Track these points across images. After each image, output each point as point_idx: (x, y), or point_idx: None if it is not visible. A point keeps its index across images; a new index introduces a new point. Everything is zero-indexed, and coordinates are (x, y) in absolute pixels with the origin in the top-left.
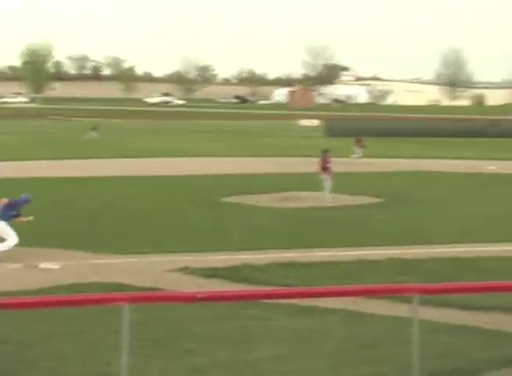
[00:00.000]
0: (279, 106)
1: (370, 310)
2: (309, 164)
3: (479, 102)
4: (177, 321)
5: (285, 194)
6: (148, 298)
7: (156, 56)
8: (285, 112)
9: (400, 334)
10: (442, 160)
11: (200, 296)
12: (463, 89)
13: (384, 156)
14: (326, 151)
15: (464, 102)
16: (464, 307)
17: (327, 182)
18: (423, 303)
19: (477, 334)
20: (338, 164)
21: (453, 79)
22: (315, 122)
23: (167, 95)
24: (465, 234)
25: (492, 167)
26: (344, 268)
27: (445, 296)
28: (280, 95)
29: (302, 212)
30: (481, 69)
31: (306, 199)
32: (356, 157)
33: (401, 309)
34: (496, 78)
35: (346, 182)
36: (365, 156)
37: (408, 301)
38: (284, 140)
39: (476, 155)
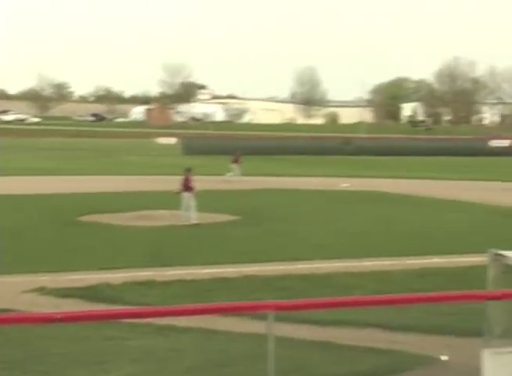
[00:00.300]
0: (136, 124)
1: (227, 328)
2: (168, 182)
3: (333, 120)
4: (32, 342)
5: (143, 213)
6: (3, 319)
7: (10, 72)
8: (142, 130)
9: (256, 350)
10: (298, 177)
11: (58, 316)
12: (318, 108)
13: (242, 174)
14: (188, 170)
15: (318, 120)
16: (319, 323)
17: (190, 200)
18: (279, 319)
19: (331, 349)
20: (216, 182)
21: (308, 97)
22: (173, 140)
23: (4, 112)
24: (321, 250)
25: (345, 184)
26: (201, 286)
27: (301, 312)
28: (138, 113)
29: (160, 231)
30: (334, 87)
31: (164, 217)
32: (234, 175)
33: (257, 326)
34: (349, 97)
35: (206, 200)
36: (222, 173)
37: (264, 318)
38: (142, 158)
39: (330, 172)
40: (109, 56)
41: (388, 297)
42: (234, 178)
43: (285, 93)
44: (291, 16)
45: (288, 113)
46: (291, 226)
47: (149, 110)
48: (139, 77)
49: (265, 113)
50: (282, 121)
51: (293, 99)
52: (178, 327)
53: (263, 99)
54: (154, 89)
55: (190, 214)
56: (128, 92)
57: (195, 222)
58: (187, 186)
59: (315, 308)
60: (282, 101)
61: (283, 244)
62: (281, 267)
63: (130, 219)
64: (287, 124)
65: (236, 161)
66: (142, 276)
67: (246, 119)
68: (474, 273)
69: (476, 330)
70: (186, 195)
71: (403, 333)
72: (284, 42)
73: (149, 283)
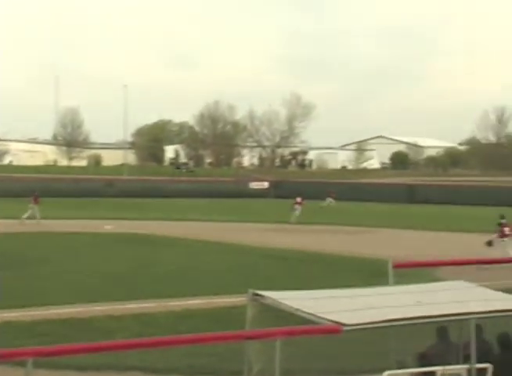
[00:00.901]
0: None
1: None
2: None
3: (96, 162)
4: None
5: None
6: None
7: None
8: None
9: None
10: (61, 220)
11: None
12: (80, 149)
13: (4, 217)
14: None
15: (81, 162)
16: (81, 368)
17: None
18: (39, 366)
19: None
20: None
21: (70, 139)
22: None
23: None
24: (82, 294)
25: (109, 226)
26: None
27: (62, 357)
28: None
29: None
30: (97, 129)
31: None
32: (32, 217)
33: (18, 374)
34: (111, 139)
35: None
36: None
37: (24, 364)
38: None
39: (94, 214)
40: None
41: (150, 339)
42: (30, 222)
43: (47, 135)
44: (49, 55)
45: (51, 155)
46: (53, 270)
47: None
48: None
49: (26, 155)
50: (44, 163)
51: (55, 141)
52: None
53: (24, 141)
54: None
55: None
56: None
57: None
58: None
59: (75, 353)
60: (44, 142)
61: (44, 288)
62: (41, 312)
63: None
64: (50, 166)
65: (35, 202)
66: None
67: (6, 161)
68: (235, 314)
69: (236, 371)
70: None
71: (165, 375)
72: (45, 83)
73: None
